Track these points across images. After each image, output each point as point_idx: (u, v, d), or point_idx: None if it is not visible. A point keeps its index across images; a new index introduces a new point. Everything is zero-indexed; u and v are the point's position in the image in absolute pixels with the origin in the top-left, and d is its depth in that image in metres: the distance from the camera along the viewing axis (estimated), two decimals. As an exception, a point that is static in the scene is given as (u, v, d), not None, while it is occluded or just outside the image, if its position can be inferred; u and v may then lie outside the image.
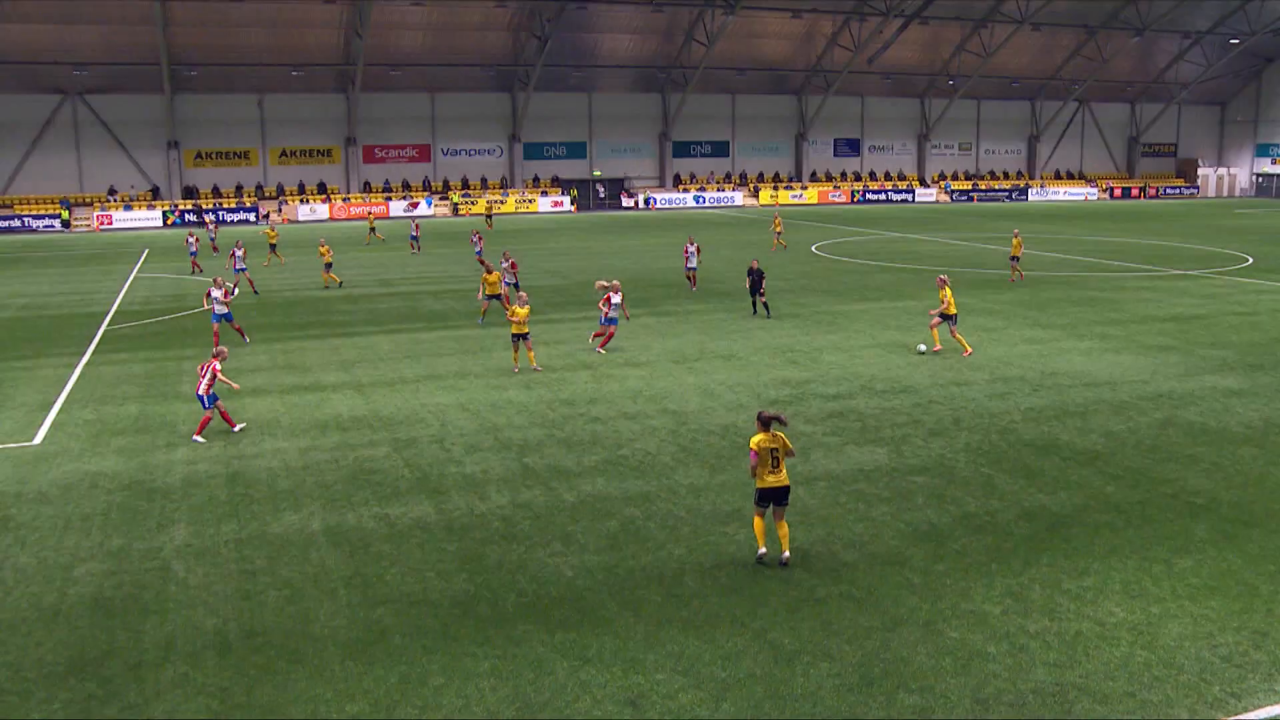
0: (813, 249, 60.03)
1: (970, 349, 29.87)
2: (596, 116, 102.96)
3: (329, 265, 47.74)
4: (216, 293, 31.59)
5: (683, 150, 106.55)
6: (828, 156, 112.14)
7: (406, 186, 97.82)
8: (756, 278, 35.99)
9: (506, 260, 37.68)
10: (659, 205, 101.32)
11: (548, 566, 15.35)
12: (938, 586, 14.41)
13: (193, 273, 52.36)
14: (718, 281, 45.70)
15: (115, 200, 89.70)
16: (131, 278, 51.67)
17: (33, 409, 25.72)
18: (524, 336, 28.26)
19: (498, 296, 35.82)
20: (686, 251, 43.89)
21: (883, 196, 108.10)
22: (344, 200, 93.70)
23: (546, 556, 15.73)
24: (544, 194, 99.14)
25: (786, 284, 43.98)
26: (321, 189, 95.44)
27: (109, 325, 37.91)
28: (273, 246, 56.24)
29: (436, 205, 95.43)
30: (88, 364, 30.88)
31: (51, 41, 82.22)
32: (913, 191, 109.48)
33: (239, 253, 46.82)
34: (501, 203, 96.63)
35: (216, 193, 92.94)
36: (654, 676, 12.18)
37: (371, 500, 18.50)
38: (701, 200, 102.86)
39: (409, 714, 11.51)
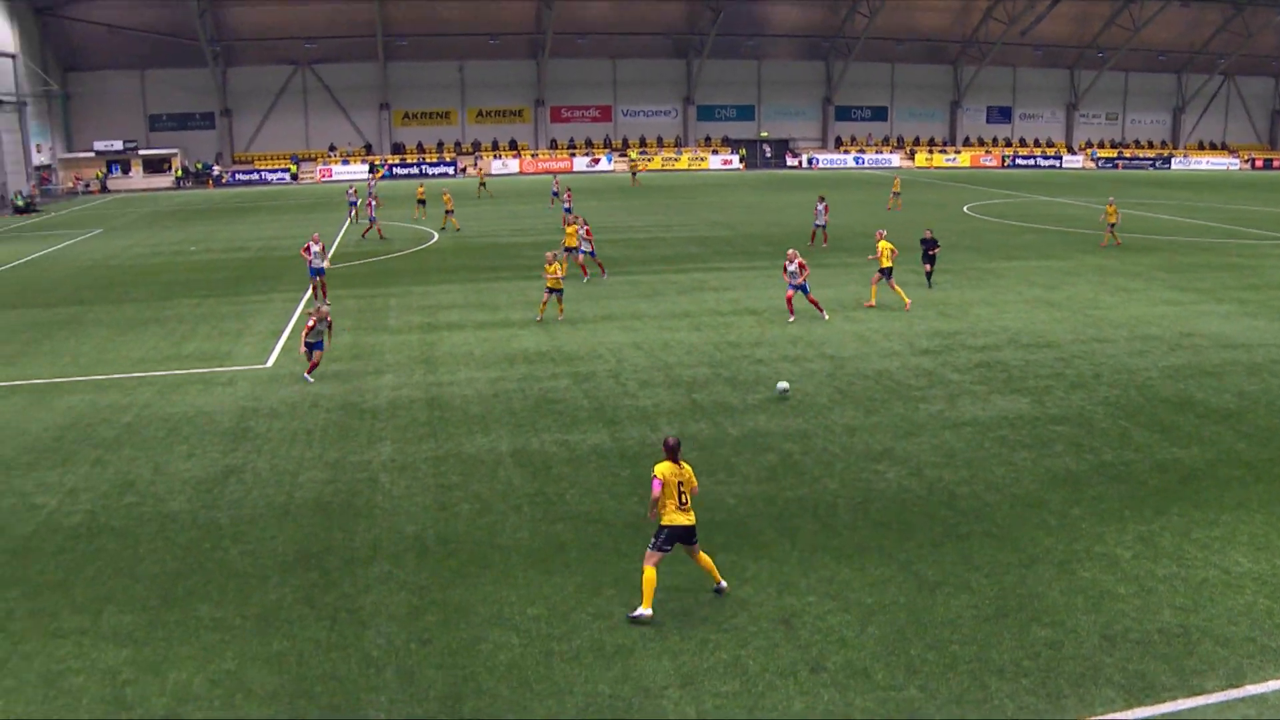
0: (965, 209, 58.34)
1: (909, 301, 29.02)
2: (764, 81, 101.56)
3: (450, 211, 49.98)
4: (315, 248, 30.53)
5: (844, 114, 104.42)
6: (980, 123, 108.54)
7: (589, 144, 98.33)
8: (929, 247, 32.11)
9: (582, 226, 35.45)
10: (821, 165, 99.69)
11: (712, 494, 15.36)
12: (1073, 529, 14.01)
13: (351, 221, 53.03)
14: (874, 237, 44.79)
15: (335, 155, 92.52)
16: (346, 224, 53.14)
17: (266, 336, 26.83)
18: (558, 291, 27.86)
19: (573, 250, 35.05)
20: (816, 210, 43.01)
21: (1031, 162, 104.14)
22: (532, 156, 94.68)
23: (711, 485, 15.73)
24: (715, 153, 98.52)
25: (940, 241, 42.77)
26: (513, 146, 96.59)
27: (328, 265, 39.11)
28: (421, 202, 56.59)
29: (615, 162, 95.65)
30: (310, 298, 31.98)
31: (287, 20, 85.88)
32: (1060, 158, 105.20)
33: (374, 203, 47.96)
34: (676, 159, 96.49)
35: (420, 149, 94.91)
36: (806, 599, 12.15)
37: (554, 427, 18.77)
38: (861, 161, 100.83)
39: (582, 620, 11.71)
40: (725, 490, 15.54)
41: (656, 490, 11.78)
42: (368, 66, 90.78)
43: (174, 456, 17.57)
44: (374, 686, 10.46)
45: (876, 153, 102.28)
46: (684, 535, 11.84)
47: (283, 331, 27.21)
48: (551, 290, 27.82)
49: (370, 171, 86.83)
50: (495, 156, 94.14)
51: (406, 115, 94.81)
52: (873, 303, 29.43)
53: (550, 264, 27.67)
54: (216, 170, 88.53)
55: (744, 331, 26.36)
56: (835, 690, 10.26)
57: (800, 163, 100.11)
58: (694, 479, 12.03)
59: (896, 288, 29.31)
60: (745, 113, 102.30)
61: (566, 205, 50.36)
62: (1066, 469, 16.38)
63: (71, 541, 14.12)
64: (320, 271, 30.84)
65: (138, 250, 45.57)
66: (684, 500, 11.83)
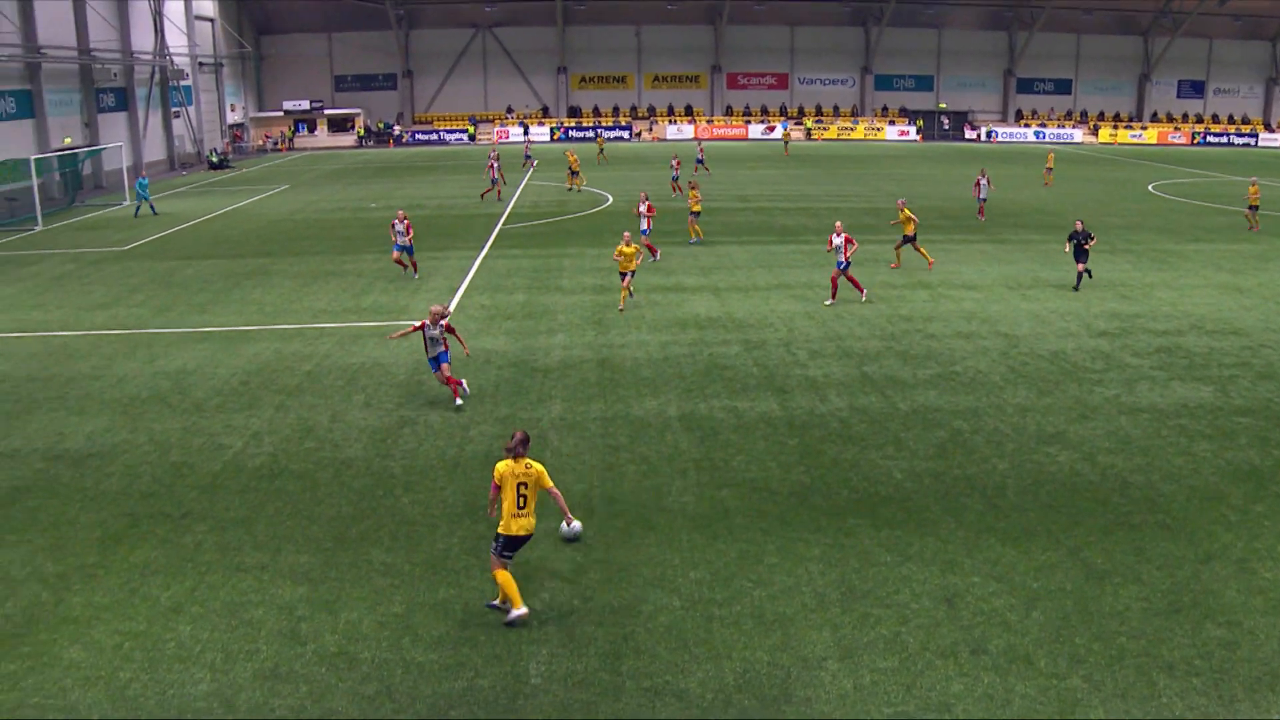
0: (1149, 188, 55.85)
1: (933, 260, 30.87)
2: (944, 51, 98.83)
3: (575, 172, 50.61)
4: (400, 225, 28.78)
5: (1025, 86, 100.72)
6: (1170, 97, 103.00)
7: (765, 111, 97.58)
8: (1081, 240, 27.61)
9: (643, 203, 32.21)
10: (999, 139, 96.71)
11: (879, 467, 15.24)
12: (1254, 526, 13.38)
13: (494, 183, 50.92)
14: (1054, 214, 43.39)
15: (512, 117, 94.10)
16: (523, 185, 54.10)
17: (442, 292, 27.59)
18: (631, 274, 25.42)
19: (697, 214, 35.06)
20: (978, 183, 41.77)
21: (1224, 140, 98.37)
22: (707, 122, 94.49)
23: (879, 458, 15.61)
24: (891, 123, 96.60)
25: (1122, 220, 41.23)
26: (688, 111, 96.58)
27: (504, 225, 39.97)
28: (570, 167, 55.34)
29: (792, 129, 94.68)
30: (485, 257, 32.76)
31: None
32: (1256, 136, 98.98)
33: (497, 164, 47.81)
34: (852, 129, 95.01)
35: (596, 113, 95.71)
36: (970, 579, 11.95)
37: (722, 393, 18.84)
38: (1042, 135, 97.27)
39: (744, 587, 11.77)
40: (893, 465, 15.36)
41: (492, 493, 11.10)
42: (546, 30, 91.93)
43: (351, 405, 18.30)
44: (535, 640, 10.73)
45: (1059, 127, 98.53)
46: (519, 545, 11.17)
47: (458, 288, 27.94)
48: (623, 273, 25.52)
49: (525, 134, 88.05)
50: (670, 122, 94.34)
51: (583, 79, 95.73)
52: (931, 261, 30.90)
53: (627, 245, 25.49)
54: (397, 130, 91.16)
55: (917, 305, 25.90)
56: (996, 674, 10.08)
57: (979, 135, 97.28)
58: (545, 478, 11.13)
59: (903, 253, 31.12)
60: (924, 83, 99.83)
61: (674, 173, 48.65)
62: (1250, 463, 15.63)
63: (255, 481, 14.89)
64: (409, 250, 29.21)
65: (321, 206, 47.35)
66: (524, 503, 11.02)
